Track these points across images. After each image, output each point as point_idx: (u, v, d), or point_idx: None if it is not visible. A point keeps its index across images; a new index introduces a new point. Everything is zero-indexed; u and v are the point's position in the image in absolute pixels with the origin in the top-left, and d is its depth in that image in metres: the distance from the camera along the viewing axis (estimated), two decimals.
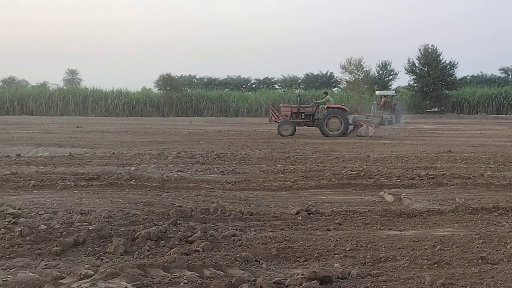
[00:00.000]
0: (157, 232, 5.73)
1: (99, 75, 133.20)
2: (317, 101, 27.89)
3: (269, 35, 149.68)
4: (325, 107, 25.18)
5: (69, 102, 59.42)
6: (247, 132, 27.40)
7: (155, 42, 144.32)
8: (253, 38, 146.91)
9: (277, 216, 7.04)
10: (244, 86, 76.75)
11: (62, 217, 6.63)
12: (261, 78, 78.86)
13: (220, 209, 7.06)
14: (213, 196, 8.58)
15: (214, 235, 5.73)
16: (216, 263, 4.83)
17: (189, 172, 11.44)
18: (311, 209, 7.37)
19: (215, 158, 14.03)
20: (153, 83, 64.89)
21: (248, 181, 10.22)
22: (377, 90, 50.13)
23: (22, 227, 5.82)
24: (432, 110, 58.47)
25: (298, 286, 4.29)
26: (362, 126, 24.62)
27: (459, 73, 74.88)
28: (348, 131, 24.81)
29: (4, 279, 4.24)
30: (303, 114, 25.60)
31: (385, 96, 44.29)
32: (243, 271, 4.66)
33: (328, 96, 27.01)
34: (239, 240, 5.67)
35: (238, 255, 5.07)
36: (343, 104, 29.34)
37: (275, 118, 25.68)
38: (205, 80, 77.26)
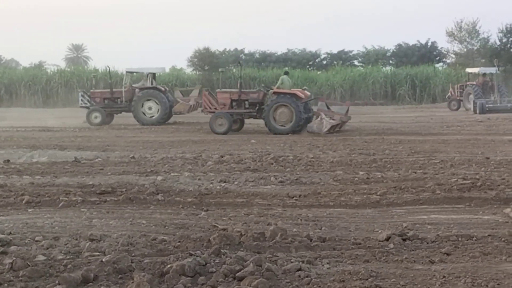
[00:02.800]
0: (194, 265, 5.79)
1: (112, 52, 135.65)
2: (266, 86, 27.43)
3: None
4: (272, 93, 24.90)
5: (74, 89, 60.66)
6: None
7: (187, 6, 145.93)
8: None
9: (360, 243, 7.02)
10: (311, 63, 76.45)
11: (66, 244, 6.80)
12: (335, 52, 78.45)
13: (279, 234, 7.08)
14: (270, 216, 8.63)
15: (272, 270, 5.75)
16: None
17: (236, 182, 11.53)
18: (407, 233, 7.32)
19: (272, 163, 14.09)
20: (186, 61, 65.56)
21: (318, 195, 10.23)
22: (468, 68, 49.79)
23: (14, 258, 6.00)
24: None
25: None
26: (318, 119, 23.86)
27: None
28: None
29: None
30: (246, 102, 25.43)
31: (483, 75, 43.86)
32: None
33: (283, 76, 26.19)
34: (307, 277, 5.67)
35: None
36: (304, 88, 28.82)
37: (209, 108, 25.50)
38: (257, 55, 77.36)
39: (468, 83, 44.44)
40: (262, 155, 15.57)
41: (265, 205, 9.51)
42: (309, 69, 70.57)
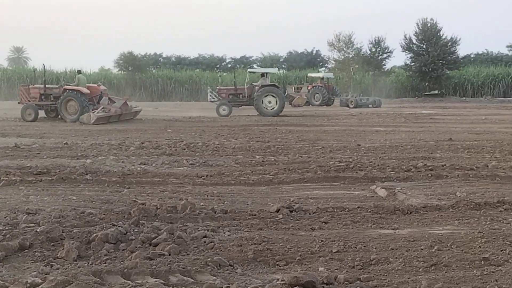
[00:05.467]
0: (116, 233, 5.70)
1: (49, 53, 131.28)
2: (67, 83, 28.31)
3: (247, 8, 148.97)
4: (63, 89, 25.94)
5: (15, 85, 58.63)
6: (221, 119, 27.41)
7: (115, 16, 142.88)
8: (228, 12, 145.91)
9: (255, 214, 7.06)
10: (218, 66, 76.60)
11: (5, 217, 6.57)
12: (238, 57, 78.82)
13: (189, 207, 7.05)
14: (182, 192, 8.58)
15: (182, 237, 5.72)
16: (184, 268, 4.82)
17: (154, 164, 11.40)
18: (294, 206, 7.41)
19: (184, 149, 14.00)
20: (113, 62, 64.48)
21: (222, 175, 10.22)
22: (310, 74, 53.58)
23: None
24: (432, 92, 59.03)
25: None
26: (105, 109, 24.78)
27: (462, 51, 75.54)
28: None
29: None
30: (51, 96, 26.25)
31: (322, 79, 46.82)
32: (214, 277, 4.67)
33: (79, 75, 27.40)
34: (211, 242, 5.68)
35: (209, 259, 5.08)
36: (99, 83, 29.68)
37: (25, 100, 26.27)
38: (173, 59, 76.91)
39: (311, 85, 46.88)
40: (176, 142, 15.46)
41: (178, 183, 9.45)
42: (217, 71, 70.73)
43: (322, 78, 47.50)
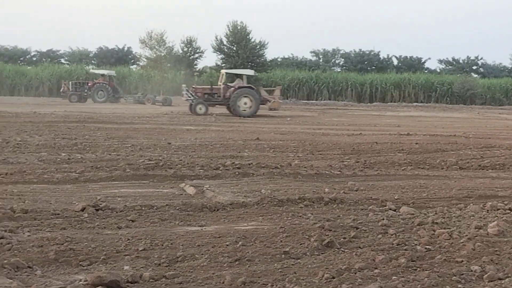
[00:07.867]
0: None
1: None
2: None
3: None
4: None
5: None
6: (25, 114, 26.03)
7: None
8: (31, 1, 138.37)
9: (58, 214, 6.80)
10: (22, 59, 72.81)
11: None
12: (44, 50, 75.48)
13: None
14: None
15: None
16: None
17: None
18: (100, 204, 7.26)
19: None
20: None
21: (23, 173, 9.72)
22: (92, 70, 55.25)
23: None
24: None
25: None
26: None
27: (270, 54, 78.72)
28: None
29: None
30: None
31: (102, 75, 47.86)
32: (11, 280, 4.41)
33: None
34: (8, 243, 5.35)
35: (6, 261, 4.79)
36: None
37: None
38: None
39: (92, 82, 47.25)
40: None
41: None
42: (20, 64, 67.19)
43: (104, 75, 47.72)
